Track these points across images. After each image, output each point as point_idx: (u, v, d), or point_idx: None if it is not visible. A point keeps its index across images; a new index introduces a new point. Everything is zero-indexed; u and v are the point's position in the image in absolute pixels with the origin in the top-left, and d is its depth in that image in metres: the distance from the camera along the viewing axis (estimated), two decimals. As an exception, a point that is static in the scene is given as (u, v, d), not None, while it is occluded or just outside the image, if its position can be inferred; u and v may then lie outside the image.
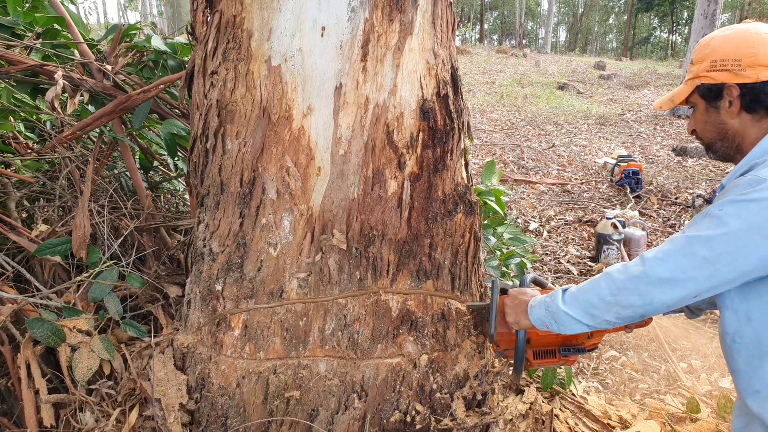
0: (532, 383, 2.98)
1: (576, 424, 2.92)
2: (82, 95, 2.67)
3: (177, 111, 3.02)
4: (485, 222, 3.25)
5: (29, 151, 2.95)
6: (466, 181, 2.14)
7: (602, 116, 13.60)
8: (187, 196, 3.42)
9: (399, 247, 1.98)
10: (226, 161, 1.97)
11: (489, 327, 1.88)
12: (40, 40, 2.88)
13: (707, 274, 1.39)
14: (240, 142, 1.93)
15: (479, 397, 2.11)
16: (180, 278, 2.71)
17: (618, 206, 7.46)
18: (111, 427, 2.10)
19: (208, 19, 2.06)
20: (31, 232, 2.57)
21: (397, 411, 1.99)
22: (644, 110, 14.47)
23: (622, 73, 21.29)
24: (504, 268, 3.07)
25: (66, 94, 2.68)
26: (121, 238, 2.63)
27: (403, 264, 2.00)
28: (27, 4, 2.97)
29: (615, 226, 5.91)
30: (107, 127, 2.86)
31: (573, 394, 3.22)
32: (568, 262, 6.01)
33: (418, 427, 1.99)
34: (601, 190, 8.26)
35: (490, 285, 2.10)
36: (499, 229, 3.30)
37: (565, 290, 1.65)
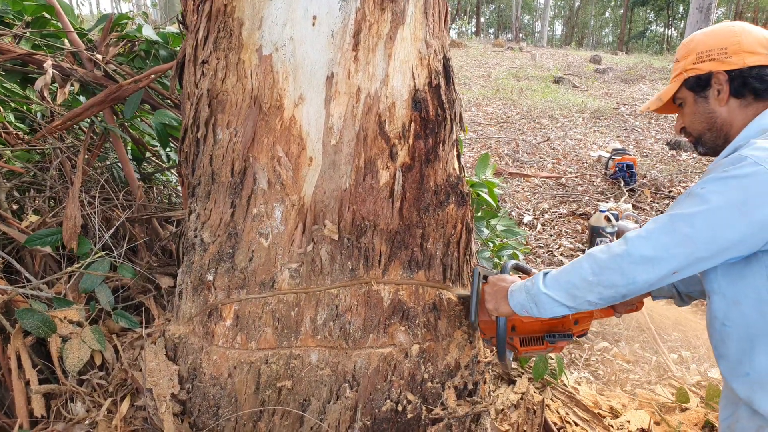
0: (524, 374, 2.99)
1: (567, 413, 2.94)
2: (72, 85, 2.65)
3: (169, 101, 3.00)
4: (479, 214, 3.25)
5: (19, 141, 2.94)
6: (458, 172, 2.14)
7: (597, 110, 13.61)
8: (179, 188, 3.41)
9: (391, 237, 1.98)
10: (217, 151, 1.96)
11: (470, 314, 1.88)
12: (30, 29, 2.85)
13: (688, 251, 1.41)
14: (231, 131, 1.92)
15: (470, 386, 2.11)
16: (172, 269, 2.70)
17: (612, 199, 7.48)
18: (102, 417, 2.10)
19: (199, 8, 2.04)
20: (21, 222, 2.56)
21: (388, 400, 1.99)
22: (639, 104, 14.48)
23: (617, 67, 21.29)
24: (497, 260, 3.07)
25: (56, 84, 2.67)
26: (113, 229, 2.62)
27: (395, 254, 2.00)
28: (17, -7, 2.95)
29: (608, 219, 5.93)
30: (98, 118, 2.84)
31: (564, 385, 3.24)
32: (561, 254, 6.03)
33: (409, 416, 2.00)
34: (595, 184, 8.28)
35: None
36: (493, 222, 3.30)
37: (546, 273, 1.66)
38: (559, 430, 2.81)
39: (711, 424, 3.03)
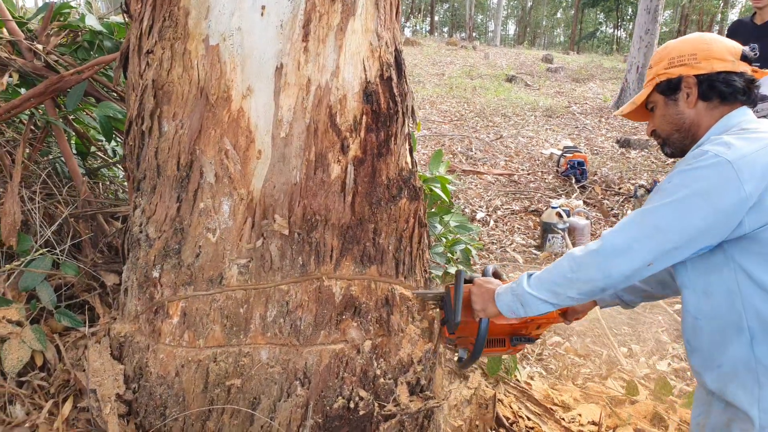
0: (476, 369, 3.01)
1: (519, 408, 2.97)
2: (11, 75, 2.54)
3: (114, 94, 2.91)
4: (432, 210, 3.26)
5: (-45, 134, 2.80)
6: (410, 166, 2.13)
7: (549, 108, 13.84)
8: (126, 183, 3.31)
9: (342, 232, 1.96)
10: (163, 144, 1.90)
11: (454, 315, 1.90)
12: (-34, 17, 2.72)
13: (658, 242, 1.48)
14: (177, 123, 1.87)
15: (423, 382, 2.11)
16: (118, 266, 2.62)
17: (563, 196, 7.61)
18: (43, 420, 2.02)
19: (144, -4, 1.98)
20: (-43, 219, 2.44)
21: (340, 397, 1.97)
22: (590, 103, 14.80)
23: (569, 67, 21.71)
24: (449, 255, 3.09)
25: (-6, 74, 2.55)
26: (55, 225, 2.52)
27: (347, 249, 1.98)
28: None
29: (560, 215, 6.03)
30: (40, 111, 2.73)
31: (517, 380, 3.27)
32: (513, 250, 6.10)
33: (361, 413, 1.98)
34: (547, 181, 8.41)
35: (454, 273, 2.14)
36: (446, 217, 3.31)
37: (530, 275, 1.74)
38: (511, 424, 2.84)
39: (660, 416, 3.11)
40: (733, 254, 1.52)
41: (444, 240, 3.18)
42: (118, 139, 3.05)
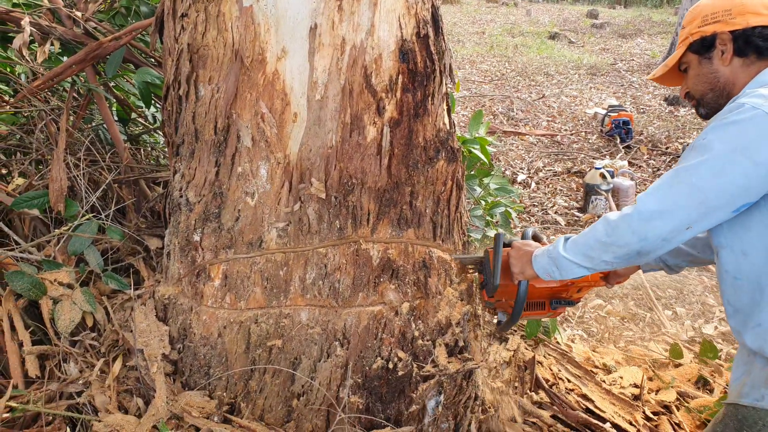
0: (516, 332, 3.00)
1: (559, 370, 2.96)
2: (52, 44, 2.57)
3: (152, 60, 2.93)
4: (472, 173, 3.21)
5: (3, 103, 2.87)
6: (448, 127, 2.09)
7: (594, 66, 13.43)
8: (167, 149, 3.36)
9: (379, 195, 1.95)
10: (200, 108, 1.91)
11: (493, 278, 1.90)
12: (7, -14, 2.77)
13: (697, 202, 1.42)
14: (213, 87, 1.87)
15: (462, 343, 2.11)
16: (160, 230, 2.68)
17: (607, 157, 7.44)
18: (95, 377, 2.10)
19: (178, -41, 1.97)
20: (7, 185, 2.52)
21: (379, 358, 1.99)
22: (637, 59, 14.30)
23: (615, 22, 20.94)
24: (489, 218, 3.05)
25: (36, 43, 2.59)
26: (99, 191, 2.58)
27: (384, 213, 1.97)
28: (-8, -51, 2.85)
29: (603, 176, 5.90)
30: (81, 78, 2.77)
31: (558, 343, 3.25)
32: (555, 212, 6.01)
33: (400, 373, 2.00)
34: (590, 141, 8.22)
35: (493, 236, 2.16)
36: (486, 180, 3.26)
37: (567, 239, 1.72)
38: (551, 386, 2.83)
39: (704, 379, 3.06)
40: None
41: (483, 203, 3.13)
42: (158, 105, 3.08)
